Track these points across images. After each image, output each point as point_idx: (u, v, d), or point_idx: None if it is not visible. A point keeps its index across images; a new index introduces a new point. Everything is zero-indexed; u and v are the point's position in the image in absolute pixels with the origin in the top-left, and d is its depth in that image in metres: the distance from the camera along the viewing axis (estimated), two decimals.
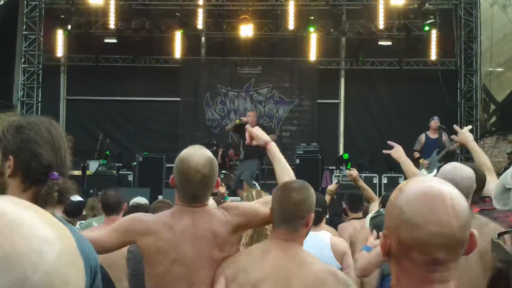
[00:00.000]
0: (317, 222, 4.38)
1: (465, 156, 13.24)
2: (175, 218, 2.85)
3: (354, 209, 6.20)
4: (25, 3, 15.26)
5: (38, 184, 1.99)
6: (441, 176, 3.51)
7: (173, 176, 2.88)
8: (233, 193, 11.31)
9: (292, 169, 3.35)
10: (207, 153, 2.90)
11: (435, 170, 11.44)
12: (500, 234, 0.85)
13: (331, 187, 6.75)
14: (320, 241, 4.41)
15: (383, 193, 9.62)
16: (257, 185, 12.37)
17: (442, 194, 1.41)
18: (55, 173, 2.00)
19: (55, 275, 0.76)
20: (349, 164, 13.53)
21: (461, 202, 1.42)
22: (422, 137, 12.05)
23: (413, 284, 1.43)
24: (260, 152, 12.12)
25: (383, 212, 3.78)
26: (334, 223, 6.19)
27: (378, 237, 3.49)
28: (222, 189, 4.54)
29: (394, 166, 13.62)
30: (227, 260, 2.76)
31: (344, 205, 6.42)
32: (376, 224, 3.84)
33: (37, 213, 0.81)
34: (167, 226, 2.83)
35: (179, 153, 2.86)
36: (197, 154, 2.84)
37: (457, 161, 11.40)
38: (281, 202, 2.73)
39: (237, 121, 12.12)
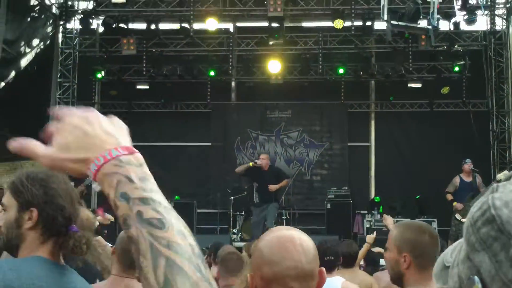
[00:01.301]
0: (330, 270, 4.59)
1: None
2: None
3: None
4: (60, 51, 15.66)
5: (57, 236, 2.05)
6: None
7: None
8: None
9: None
10: None
11: None
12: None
13: (371, 238, 6.77)
14: (332, 286, 4.53)
15: None
16: None
17: (292, 237, 1.80)
18: (74, 226, 2.07)
19: None
20: (381, 207, 13.37)
21: (308, 243, 1.82)
22: (457, 180, 11.87)
23: None
24: (277, 194, 12.00)
25: None
26: (370, 273, 6.13)
27: None
28: None
29: (426, 210, 13.44)
30: None
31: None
32: None
33: None
34: None
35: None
36: None
37: None
38: None
39: (250, 163, 12.03)
